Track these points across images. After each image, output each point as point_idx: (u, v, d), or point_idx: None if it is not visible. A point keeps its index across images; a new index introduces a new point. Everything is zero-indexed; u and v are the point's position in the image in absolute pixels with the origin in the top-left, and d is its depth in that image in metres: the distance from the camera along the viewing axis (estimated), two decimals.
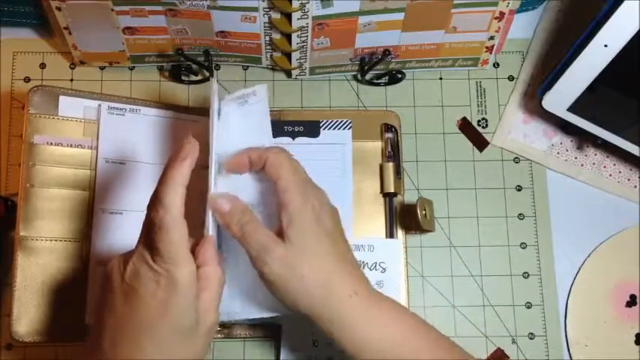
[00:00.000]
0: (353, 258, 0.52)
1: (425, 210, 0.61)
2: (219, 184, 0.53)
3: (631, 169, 0.68)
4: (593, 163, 0.68)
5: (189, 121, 0.63)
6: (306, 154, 0.63)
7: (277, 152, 0.51)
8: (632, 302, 0.65)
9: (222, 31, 0.62)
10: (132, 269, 0.45)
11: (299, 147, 0.63)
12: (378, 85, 0.69)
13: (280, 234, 0.49)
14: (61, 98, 0.60)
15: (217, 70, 0.68)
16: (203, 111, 0.64)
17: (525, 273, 0.65)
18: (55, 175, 0.59)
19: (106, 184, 0.60)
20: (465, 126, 0.68)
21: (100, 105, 0.61)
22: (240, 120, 0.56)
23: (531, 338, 0.64)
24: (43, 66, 0.67)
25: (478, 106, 0.69)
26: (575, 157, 0.68)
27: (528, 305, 0.64)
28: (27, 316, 0.57)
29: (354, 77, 0.69)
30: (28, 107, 0.59)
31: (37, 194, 0.58)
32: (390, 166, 0.64)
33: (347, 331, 0.49)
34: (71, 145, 0.60)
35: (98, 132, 0.60)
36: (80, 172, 0.60)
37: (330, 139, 0.64)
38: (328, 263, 0.49)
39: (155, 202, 0.45)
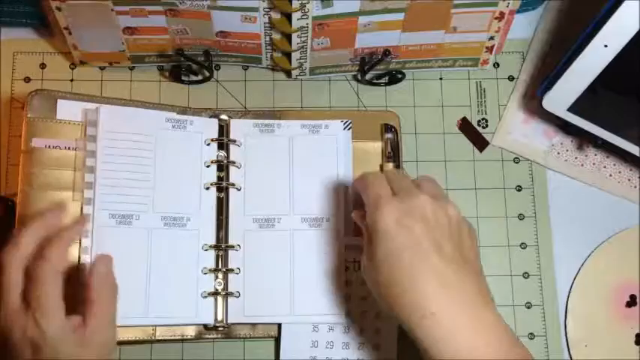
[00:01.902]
0: (446, 268, 0.48)
1: None
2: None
3: (631, 169, 0.68)
4: (593, 163, 0.68)
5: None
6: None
7: (370, 177, 0.54)
8: (632, 302, 0.65)
9: (222, 31, 0.62)
10: None
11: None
12: (378, 85, 0.69)
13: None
14: (59, 101, 0.60)
15: (217, 70, 0.68)
16: (202, 111, 0.64)
17: (525, 273, 0.65)
18: (53, 178, 0.59)
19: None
20: (465, 126, 0.68)
21: (98, 107, 0.61)
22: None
23: (531, 338, 0.64)
24: (43, 66, 0.67)
25: (478, 106, 0.69)
26: (575, 157, 0.68)
27: (528, 305, 0.64)
28: None
29: (354, 77, 0.69)
30: (27, 111, 0.59)
31: (35, 197, 0.58)
32: (390, 166, 0.64)
33: (424, 349, 0.47)
34: (69, 148, 0.60)
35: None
36: (78, 174, 0.60)
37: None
38: (401, 273, 0.48)
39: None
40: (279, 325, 0.61)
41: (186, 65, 0.66)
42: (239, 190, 0.62)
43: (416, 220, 0.49)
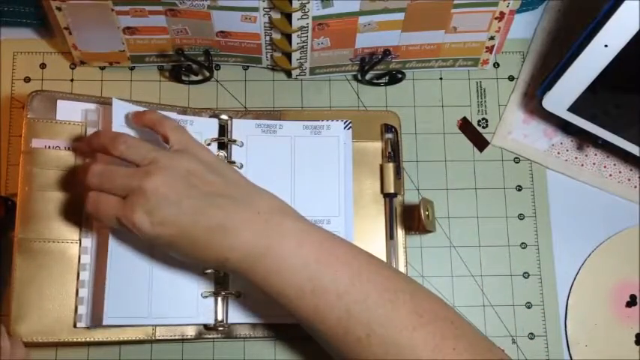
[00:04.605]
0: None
1: (428, 210, 0.61)
2: None
3: (631, 169, 0.68)
4: (594, 163, 0.68)
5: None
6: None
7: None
8: (632, 302, 0.65)
9: (222, 31, 0.62)
10: None
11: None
12: (378, 85, 0.69)
13: None
14: (59, 102, 0.60)
15: (217, 70, 0.68)
16: (202, 111, 0.64)
17: (525, 273, 0.65)
18: (53, 178, 0.59)
19: None
20: (465, 126, 0.68)
21: (98, 107, 0.61)
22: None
23: (531, 338, 0.64)
24: (43, 66, 0.67)
25: (478, 106, 0.69)
26: (576, 157, 0.68)
27: (528, 305, 0.64)
28: (26, 316, 0.57)
29: (354, 77, 0.69)
30: (27, 111, 0.59)
31: (35, 197, 0.58)
32: (390, 167, 0.64)
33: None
34: (69, 149, 0.60)
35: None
36: None
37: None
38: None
39: None
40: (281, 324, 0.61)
41: (187, 65, 0.66)
42: None
43: None
